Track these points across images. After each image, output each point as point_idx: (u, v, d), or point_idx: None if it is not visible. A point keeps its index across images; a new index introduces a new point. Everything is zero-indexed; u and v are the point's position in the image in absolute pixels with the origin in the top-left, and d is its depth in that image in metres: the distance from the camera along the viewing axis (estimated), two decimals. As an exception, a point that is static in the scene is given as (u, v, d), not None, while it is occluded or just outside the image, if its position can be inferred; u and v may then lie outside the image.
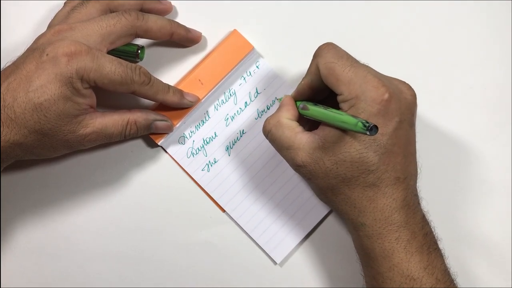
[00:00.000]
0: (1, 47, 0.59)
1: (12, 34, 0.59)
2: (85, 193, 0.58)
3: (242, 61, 0.58)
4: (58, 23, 0.54)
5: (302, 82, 0.53)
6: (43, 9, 0.59)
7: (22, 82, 0.49)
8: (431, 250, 0.50)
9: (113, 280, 0.58)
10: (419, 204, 0.51)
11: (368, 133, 0.44)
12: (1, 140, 0.49)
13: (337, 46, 0.51)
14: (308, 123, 0.53)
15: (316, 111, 0.50)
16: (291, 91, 0.59)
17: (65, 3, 0.56)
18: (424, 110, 0.59)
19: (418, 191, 0.52)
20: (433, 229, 0.51)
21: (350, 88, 0.48)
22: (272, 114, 0.53)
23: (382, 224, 0.49)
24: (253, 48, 0.59)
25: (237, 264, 0.58)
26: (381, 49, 0.60)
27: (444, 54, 0.60)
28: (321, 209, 0.58)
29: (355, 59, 0.50)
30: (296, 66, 0.59)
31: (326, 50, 0.50)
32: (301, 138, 0.50)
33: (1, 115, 0.49)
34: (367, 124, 0.44)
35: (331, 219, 0.58)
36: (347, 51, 0.59)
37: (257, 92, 0.59)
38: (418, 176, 0.52)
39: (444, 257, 0.51)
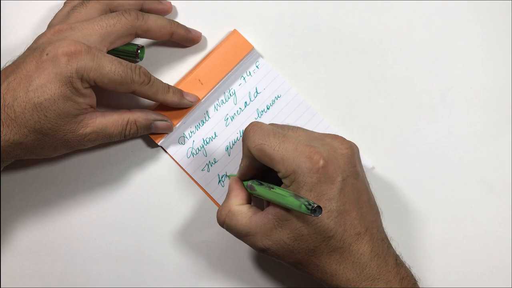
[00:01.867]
0: (1, 47, 0.59)
1: (12, 34, 0.59)
2: (85, 193, 0.58)
3: (242, 61, 0.58)
4: (58, 22, 0.54)
5: (242, 164, 0.53)
6: (43, 9, 0.59)
7: (22, 82, 0.49)
8: None
9: (113, 280, 0.58)
10: (389, 247, 0.51)
11: (312, 215, 0.44)
12: (1, 139, 0.49)
13: (262, 124, 0.50)
14: None
15: (262, 191, 0.50)
16: (291, 90, 0.59)
17: (65, 3, 0.56)
18: (424, 110, 0.59)
19: (385, 232, 0.51)
20: (410, 269, 0.51)
21: (285, 165, 0.48)
22: (223, 203, 0.52)
23: (356, 282, 0.48)
24: (252, 48, 0.59)
25: (237, 264, 0.58)
26: (381, 49, 0.59)
27: (444, 54, 0.60)
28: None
29: (282, 133, 0.49)
30: (296, 66, 0.59)
31: (252, 133, 0.50)
32: (256, 222, 0.49)
33: (1, 114, 0.49)
34: (309, 207, 0.44)
35: (331, 219, 0.59)
36: (347, 50, 0.59)
37: (256, 92, 0.59)
38: (381, 216, 0.52)
39: None
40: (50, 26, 0.55)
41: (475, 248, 0.58)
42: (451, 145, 0.59)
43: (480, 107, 0.59)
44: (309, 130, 0.52)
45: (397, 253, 0.51)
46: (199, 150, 0.58)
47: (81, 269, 0.58)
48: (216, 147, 0.58)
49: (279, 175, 0.49)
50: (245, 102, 0.59)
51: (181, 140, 0.58)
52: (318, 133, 0.52)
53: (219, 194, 0.58)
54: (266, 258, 0.58)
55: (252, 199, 0.53)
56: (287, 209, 0.48)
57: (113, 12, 0.54)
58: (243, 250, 0.58)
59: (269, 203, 0.51)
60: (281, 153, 0.48)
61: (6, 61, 0.52)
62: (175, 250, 0.58)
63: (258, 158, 0.50)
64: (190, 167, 0.58)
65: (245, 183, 0.53)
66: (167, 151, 0.58)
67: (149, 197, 0.58)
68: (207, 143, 0.58)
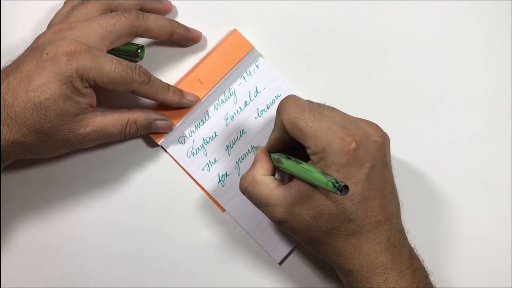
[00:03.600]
0: (1, 46, 0.59)
1: (12, 33, 0.59)
2: (85, 193, 0.58)
3: (242, 60, 0.58)
4: (58, 22, 0.54)
5: (272, 136, 0.53)
6: (43, 8, 0.59)
7: (22, 81, 0.49)
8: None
9: (113, 280, 0.58)
10: (405, 239, 0.51)
11: (338, 193, 0.44)
12: (1, 139, 0.49)
13: (299, 99, 0.50)
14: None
15: (289, 165, 0.50)
16: (290, 90, 0.59)
17: (65, 3, 0.56)
18: (424, 110, 0.59)
19: (403, 225, 0.52)
20: (422, 262, 0.51)
21: (316, 142, 0.48)
22: (247, 171, 0.52)
23: (369, 269, 0.49)
24: (252, 47, 0.59)
25: (237, 264, 0.58)
26: (381, 49, 0.60)
27: (444, 54, 0.60)
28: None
29: (318, 110, 0.49)
30: (296, 65, 0.59)
31: (288, 105, 0.50)
32: (277, 194, 0.50)
33: (1, 114, 0.49)
34: (337, 184, 0.44)
35: (331, 219, 0.59)
36: (347, 50, 0.59)
37: (256, 91, 0.59)
38: (401, 209, 0.52)
39: None
40: (50, 25, 0.55)
41: (475, 248, 0.58)
42: (451, 145, 0.59)
43: (480, 107, 0.59)
44: (343, 112, 0.51)
45: (412, 245, 0.51)
46: (199, 149, 0.58)
47: (81, 269, 0.58)
48: (216, 147, 0.58)
49: (308, 151, 0.49)
50: (245, 102, 0.59)
51: (181, 140, 0.58)
52: (353, 116, 0.51)
53: (219, 193, 0.58)
54: (266, 258, 0.58)
55: (276, 173, 0.53)
56: (311, 186, 0.48)
57: (113, 11, 0.54)
58: (243, 250, 0.58)
59: (291, 178, 0.51)
60: (314, 130, 0.48)
61: (6, 61, 0.52)
62: (175, 250, 0.58)
63: (289, 131, 0.50)
64: (190, 167, 0.58)
65: (272, 155, 0.53)
66: (167, 150, 0.58)
67: (149, 197, 0.58)
68: (207, 142, 0.58)
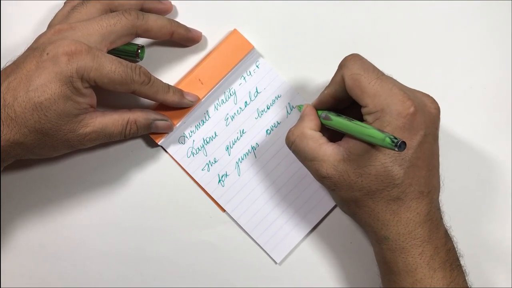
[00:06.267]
0: (1, 46, 0.59)
1: (12, 34, 0.59)
2: (85, 193, 0.58)
3: (242, 60, 0.58)
4: (58, 22, 0.54)
5: (325, 91, 0.52)
6: (43, 9, 0.59)
7: (22, 81, 0.49)
8: (453, 267, 0.49)
9: (113, 280, 0.58)
10: (441, 218, 0.51)
11: (396, 149, 0.43)
12: (1, 139, 0.49)
13: (363, 58, 0.50)
14: (328, 132, 0.53)
15: (339, 122, 0.50)
16: (291, 91, 0.59)
17: (65, 3, 0.56)
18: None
19: (440, 205, 0.52)
20: (455, 245, 0.51)
21: (375, 100, 0.48)
22: (295, 125, 0.52)
23: (406, 238, 0.49)
24: (253, 47, 0.59)
25: (237, 264, 0.58)
26: (380, 49, 0.60)
27: (444, 54, 0.60)
28: (321, 209, 0.58)
29: (381, 72, 0.49)
30: (296, 65, 0.59)
31: (352, 62, 0.50)
32: (325, 150, 0.50)
33: (1, 114, 0.49)
34: (395, 140, 0.43)
35: (330, 219, 0.58)
36: (347, 50, 0.59)
37: (257, 91, 0.59)
38: (441, 189, 0.52)
39: (465, 274, 0.51)
40: (50, 26, 0.55)
41: (475, 248, 0.58)
42: (451, 145, 0.59)
43: (480, 107, 0.59)
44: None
45: (447, 227, 0.51)
46: (199, 149, 0.58)
47: (81, 269, 0.58)
48: (216, 147, 0.58)
49: (364, 110, 0.49)
50: (245, 102, 0.59)
51: (181, 140, 0.58)
52: (409, 87, 0.51)
53: (219, 194, 0.58)
54: (265, 258, 0.58)
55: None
56: (362, 145, 0.48)
57: (113, 12, 0.54)
58: (243, 250, 0.58)
59: (334, 138, 0.50)
60: (375, 89, 0.48)
61: (6, 61, 0.52)
62: (175, 249, 0.58)
63: (349, 88, 0.49)
64: (190, 167, 0.58)
65: (318, 112, 0.53)
66: (167, 150, 0.58)
67: (149, 197, 0.58)
68: (207, 142, 0.58)
